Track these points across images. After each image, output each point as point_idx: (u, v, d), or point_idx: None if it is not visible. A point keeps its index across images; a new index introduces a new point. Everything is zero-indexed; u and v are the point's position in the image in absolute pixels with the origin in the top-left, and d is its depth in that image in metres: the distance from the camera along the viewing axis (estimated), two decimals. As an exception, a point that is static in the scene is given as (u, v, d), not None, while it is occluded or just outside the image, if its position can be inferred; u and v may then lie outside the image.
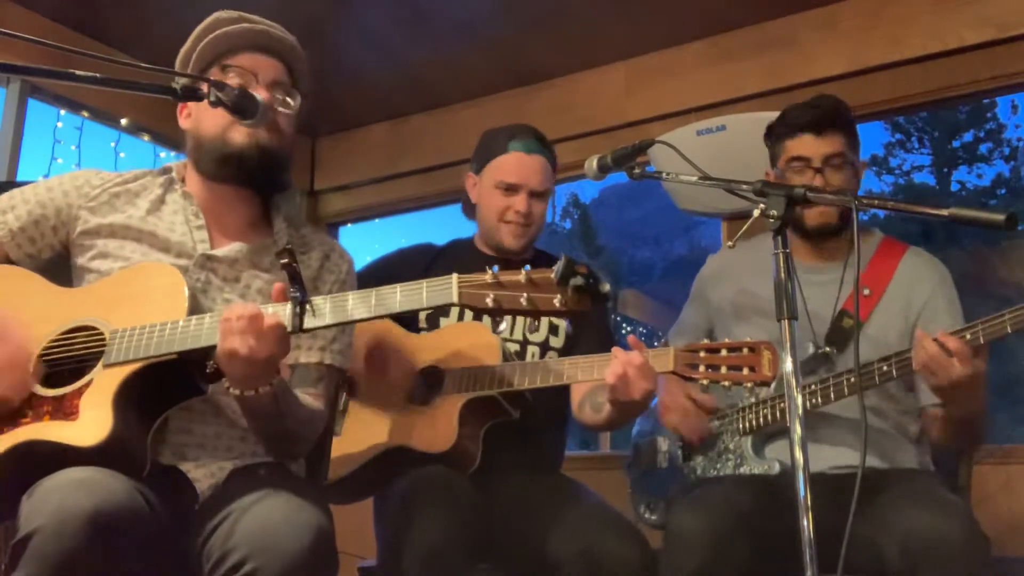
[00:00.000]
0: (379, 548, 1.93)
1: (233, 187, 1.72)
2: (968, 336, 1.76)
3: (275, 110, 1.70)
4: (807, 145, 2.01)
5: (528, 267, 1.43)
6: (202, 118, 1.71)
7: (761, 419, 2.03)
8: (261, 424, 1.62)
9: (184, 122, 1.77)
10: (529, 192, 2.20)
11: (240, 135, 1.66)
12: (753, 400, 2.06)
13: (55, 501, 1.27)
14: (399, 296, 1.44)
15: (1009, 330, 1.72)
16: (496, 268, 1.41)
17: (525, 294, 1.39)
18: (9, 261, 1.73)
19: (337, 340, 1.76)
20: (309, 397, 1.70)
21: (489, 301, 1.39)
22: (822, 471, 1.89)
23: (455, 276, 1.41)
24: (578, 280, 1.39)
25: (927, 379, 1.80)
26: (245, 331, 1.42)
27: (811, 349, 2.02)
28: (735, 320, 2.15)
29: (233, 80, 1.68)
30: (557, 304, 1.39)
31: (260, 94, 1.64)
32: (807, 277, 2.06)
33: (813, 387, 1.95)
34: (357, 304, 1.46)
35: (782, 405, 1.98)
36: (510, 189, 2.21)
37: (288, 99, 1.74)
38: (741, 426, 2.07)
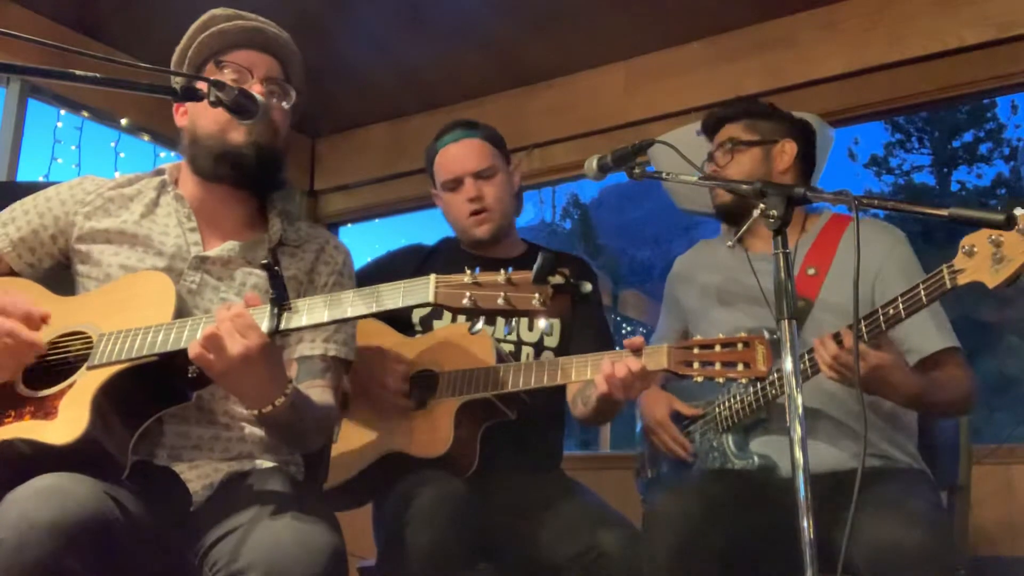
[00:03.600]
0: (378, 551, 1.93)
1: (228, 187, 1.72)
2: (865, 327, 1.76)
3: (272, 107, 1.70)
4: (712, 144, 2.23)
5: (511, 268, 1.41)
6: (198, 116, 1.71)
7: (734, 414, 2.03)
8: (281, 434, 1.63)
9: (180, 120, 1.77)
10: (472, 176, 2.20)
11: (238, 134, 1.67)
12: (727, 397, 2.06)
13: (17, 512, 1.27)
14: (376, 298, 1.44)
15: (904, 316, 1.73)
16: (479, 269, 1.40)
17: (503, 294, 1.36)
18: (12, 272, 1.75)
19: (340, 331, 1.76)
20: (318, 390, 1.71)
21: (466, 301, 1.37)
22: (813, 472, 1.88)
23: (433, 276, 1.40)
24: (557, 279, 1.36)
25: (838, 382, 1.81)
26: (218, 347, 1.42)
27: (766, 335, 2.01)
28: (719, 306, 2.16)
29: (228, 76, 1.69)
30: (535, 304, 1.36)
31: (255, 90, 1.64)
32: (759, 266, 2.04)
33: (772, 377, 1.93)
34: (335, 306, 1.45)
35: (749, 399, 1.98)
36: (454, 184, 2.22)
37: (282, 94, 1.75)
38: (719, 422, 2.07)
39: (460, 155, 2.23)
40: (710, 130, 2.24)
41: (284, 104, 1.75)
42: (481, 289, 1.37)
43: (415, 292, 1.41)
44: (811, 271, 2.05)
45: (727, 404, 2.04)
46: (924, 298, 1.70)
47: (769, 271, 2.03)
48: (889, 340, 1.80)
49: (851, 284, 1.94)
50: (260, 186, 1.75)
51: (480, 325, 1.61)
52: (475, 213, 2.20)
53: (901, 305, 1.72)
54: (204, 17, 1.76)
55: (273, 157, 1.72)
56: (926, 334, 1.94)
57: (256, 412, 1.51)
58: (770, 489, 1.85)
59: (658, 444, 2.16)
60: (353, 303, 1.45)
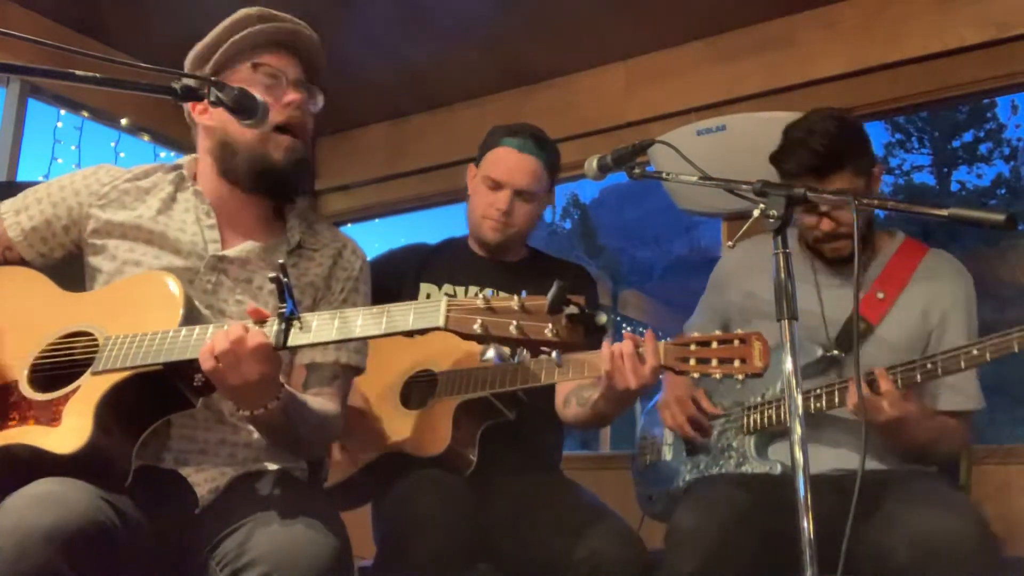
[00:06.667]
0: (376, 551, 1.93)
1: (256, 195, 1.72)
2: (900, 376, 1.80)
3: (305, 111, 1.71)
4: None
5: (525, 292, 1.38)
6: (231, 121, 1.64)
7: (766, 419, 2.02)
8: (274, 436, 1.62)
9: (201, 118, 1.73)
10: (514, 191, 2.17)
11: (278, 151, 1.67)
12: (759, 399, 2.05)
13: (14, 519, 1.26)
14: (385, 319, 1.42)
15: (963, 368, 1.77)
16: (492, 292, 1.38)
17: (515, 321, 1.33)
18: (23, 262, 1.73)
19: None
20: (324, 397, 1.69)
21: (476, 327, 1.33)
22: (824, 472, 1.89)
23: (444, 300, 1.38)
24: (572, 309, 1.32)
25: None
26: (231, 364, 1.40)
27: (819, 352, 2.01)
28: (763, 318, 2.10)
29: (261, 80, 1.68)
30: (548, 334, 1.32)
31: (291, 95, 1.67)
32: (826, 280, 2.05)
33: (819, 391, 1.94)
34: (344, 324, 1.43)
35: (780, 405, 1.97)
36: (495, 185, 2.18)
37: (313, 98, 1.75)
38: (745, 424, 2.06)
39: (516, 167, 2.17)
40: (817, 172, 1.92)
41: (313, 107, 1.75)
42: (494, 315, 1.34)
43: (425, 315, 1.38)
44: (880, 295, 2.03)
45: (761, 410, 2.03)
46: (988, 357, 1.74)
47: (837, 289, 2.03)
48: (918, 394, 1.85)
49: (919, 315, 1.99)
50: (290, 196, 1.77)
51: (491, 353, 1.58)
52: (492, 219, 2.19)
53: (963, 362, 1.76)
54: (237, 16, 1.72)
55: (306, 167, 1.73)
56: (960, 388, 1.95)
57: (247, 414, 1.49)
58: (791, 494, 1.85)
59: (668, 419, 2.11)
60: (363, 324, 1.43)
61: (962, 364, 1.75)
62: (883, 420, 1.79)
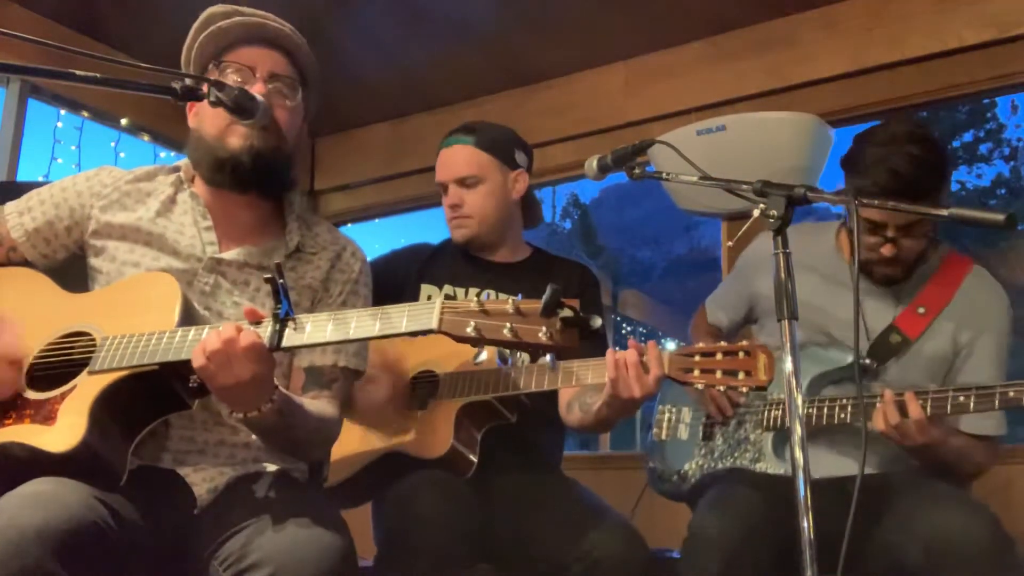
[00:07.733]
0: (377, 551, 1.93)
1: (233, 192, 1.69)
2: (931, 403, 1.80)
3: (274, 106, 1.65)
4: (883, 212, 1.88)
5: (521, 295, 1.37)
6: (203, 118, 1.67)
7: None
8: (269, 439, 1.61)
9: (191, 120, 1.73)
10: (455, 183, 2.20)
11: (236, 138, 1.62)
12: (782, 396, 2.03)
13: (6, 518, 1.26)
14: (379, 321, 1.41)
15: (972, 409, 1.77)
16: (488, 295, 1.38)
17: (509, 324, 1.32)
18: (27, 263, 1.73)
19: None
20: (323, 401, 1.68)
21: (470, 330, 1.33)
22: (843, 476, 1.88)
23: (439, 302, 1.38)
24: (566, 312, 1.32)
25: (892, 441, 1.85)
26: (222, 364, 1.39)
27: (849, 358, 2.00)
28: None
29: (231, 77, 1.65)
30: (542, 337, 1.32)
31: (257, 89, 1.62)
32: (866, 286, 2.03)
33: (845, 401, 1.93)
34: (339, 325, 1.42)
35: (810, 410, 1.95)
36: (442, 188, 2.24)
37: (288, 91, 1.69)
38: (766, 419, 2.05)
39: (446, 162, 2.23)
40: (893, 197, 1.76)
41: (288, 102, 1.69)
42: (487, 318, 1.34)
43: (419, 317, 1.38)
44: (921, 310, 2.01)
45: (783, 408, 2.02)
46: (972, 405, 1.75)
47: (877, 299, 2.00)
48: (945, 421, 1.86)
49: (951, 335, 1.97)
50: (262, 190, 1.70)
51: (484, 356, 1.58)
52: (449, 218, 2.23)
53: (997, 402, 1.74)
54: (202, 16, 1.71)
55: (274, 160, 1.66)
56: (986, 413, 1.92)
57: (241, 416, 1.48)
58: (814, 498, 1.86)
59: (710, 391, 2.11)
60: (357, 325, 1.42)
61: (996, 404, 1.73)
62: (908, 445, 1.81)
